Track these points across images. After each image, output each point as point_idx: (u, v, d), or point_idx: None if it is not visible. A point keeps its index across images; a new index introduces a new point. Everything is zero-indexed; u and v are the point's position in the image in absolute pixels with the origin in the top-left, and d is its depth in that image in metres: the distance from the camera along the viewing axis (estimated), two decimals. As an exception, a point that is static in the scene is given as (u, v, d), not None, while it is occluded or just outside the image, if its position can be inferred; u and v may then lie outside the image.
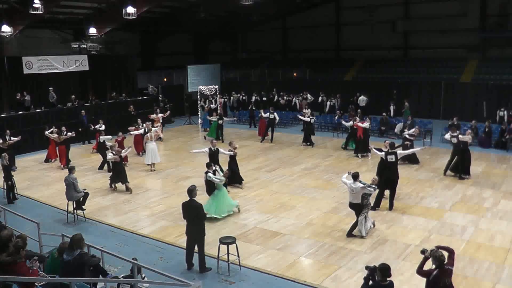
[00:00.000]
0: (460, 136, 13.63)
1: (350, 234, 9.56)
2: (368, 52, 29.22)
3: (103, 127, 17.53)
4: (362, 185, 9.29)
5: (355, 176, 9.37)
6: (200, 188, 9.84)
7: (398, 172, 11.41)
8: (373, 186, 9.60)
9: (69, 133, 16.53)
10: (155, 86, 28.42)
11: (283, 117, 23.44)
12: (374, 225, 9.93)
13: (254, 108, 24.48)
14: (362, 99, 24.77)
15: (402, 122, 18.84)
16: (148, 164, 15.49)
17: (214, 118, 20.44)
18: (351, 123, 17.73)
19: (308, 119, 19.03)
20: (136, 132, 17.12)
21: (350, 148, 17.92)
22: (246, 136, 21.46)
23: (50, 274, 6.28)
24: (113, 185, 13.33)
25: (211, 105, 24.13)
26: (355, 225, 9.57)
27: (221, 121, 20.33)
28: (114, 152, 13.19)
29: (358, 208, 9.45)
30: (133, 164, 16.28)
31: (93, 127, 18.25)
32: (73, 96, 21.74)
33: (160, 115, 20.55)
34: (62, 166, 16.00)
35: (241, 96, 28.35)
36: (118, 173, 13.08)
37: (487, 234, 9.56)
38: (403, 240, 9.36)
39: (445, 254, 5.89)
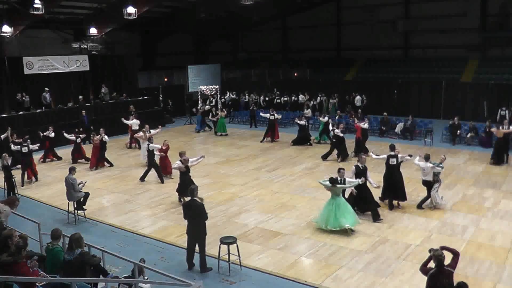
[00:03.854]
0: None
1: (420, 206, 11.11)
2: (369, 51, 29.18)
3: (52, 134, 16.64)
4: (431, 165, 10.86)
5: (427, 158, 10.99)
6: (201, 188, 9.83)
7: (401, 174, 11.37)
8: (441, 165, 11.03)
9: (18, 146, 14.28)
10: (155, 86, 28.40)
11: (284, 117, 23.41)
12: (443, 199, 11.16)
13: (255, 108, 24.50)
14: (358, 99, 24.75)
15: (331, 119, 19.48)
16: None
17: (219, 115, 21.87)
18: (326, 118, 18.67)
19: (303, 122, 18.94)
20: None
21: (323, 142, 18.79)
22: (246, 136, 21.46)
23: (51, 274, 6.29)
24: (182, 199, 11.70)
25: (207, 106, 23.80)
26: (425, 199, 11.15)
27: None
28: (182, 160, 11.63)
29: (429, 184, 11.03)
30: (133, 164, 16.34)
31: (42, 134, 16.53)
32: (81, 96, 21.64)
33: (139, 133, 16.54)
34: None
35: (232, 95, 28.29)
36: (185, 184, 11.41)
37: (487, 234, 9.56)
38: (404, 240, 9.36)
39: (449, 255, 5.89)
